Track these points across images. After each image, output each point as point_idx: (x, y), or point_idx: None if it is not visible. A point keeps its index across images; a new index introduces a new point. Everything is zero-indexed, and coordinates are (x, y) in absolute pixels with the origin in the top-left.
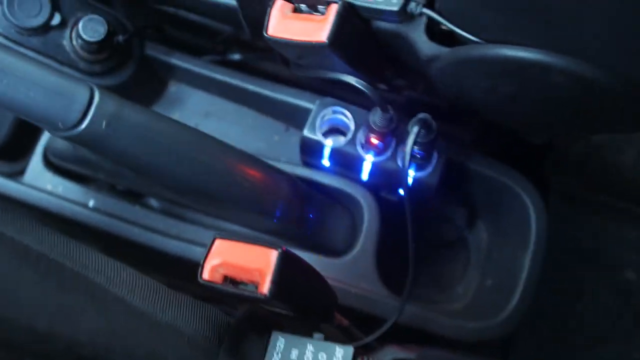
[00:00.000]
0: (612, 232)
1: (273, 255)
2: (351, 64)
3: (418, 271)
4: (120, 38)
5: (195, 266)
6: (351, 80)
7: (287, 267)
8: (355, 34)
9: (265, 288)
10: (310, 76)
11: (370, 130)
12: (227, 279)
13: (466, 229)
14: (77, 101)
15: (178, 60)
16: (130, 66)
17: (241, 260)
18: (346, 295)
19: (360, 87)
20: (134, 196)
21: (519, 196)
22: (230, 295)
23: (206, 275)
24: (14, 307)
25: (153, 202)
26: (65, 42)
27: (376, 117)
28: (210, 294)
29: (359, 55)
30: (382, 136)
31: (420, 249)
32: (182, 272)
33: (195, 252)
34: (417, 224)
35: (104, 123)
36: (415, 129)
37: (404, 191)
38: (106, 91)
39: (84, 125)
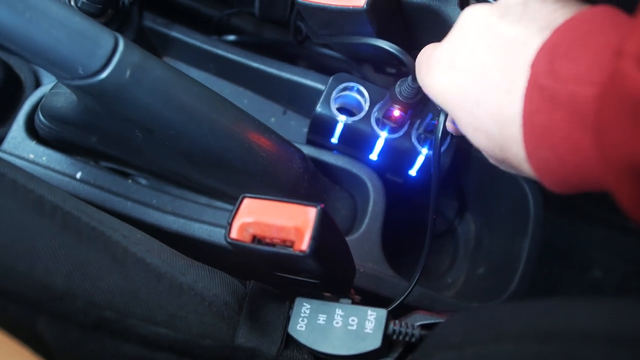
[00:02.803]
0: (582, 232)
1: (312, 212)
2: (379, 35)
3: (408, 261)
4: (126, 0)
5: (195, 243)
6: (384, 44)
7: (324, 225)
8: (389, 4)
9: (305, 245)
10: (335, 42)
11: (394, 101)
12: (255, 239)
13: (455, 220)
14: (102, 46)
15: (177, 33)
16: (127, 36)
17: (275, 218)
18: None
19: (394, 51)
20: (121, 174)
21: (518, 183)
22: (259, 255)
23: (234, 234)
24: (29, 259)
25: (142, 181)
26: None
27: (404, 86)
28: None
29: (388, 28)
30: (405, 108)
31: (411, 239)
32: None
33: (194, 228)
34: (410, 213)
35: (127, 72)
36: None
37: (435, 155)
38: (130, 41)
39: (106, 73)
